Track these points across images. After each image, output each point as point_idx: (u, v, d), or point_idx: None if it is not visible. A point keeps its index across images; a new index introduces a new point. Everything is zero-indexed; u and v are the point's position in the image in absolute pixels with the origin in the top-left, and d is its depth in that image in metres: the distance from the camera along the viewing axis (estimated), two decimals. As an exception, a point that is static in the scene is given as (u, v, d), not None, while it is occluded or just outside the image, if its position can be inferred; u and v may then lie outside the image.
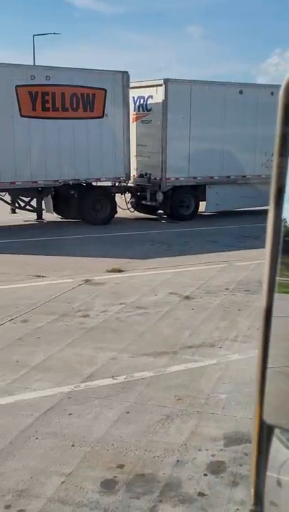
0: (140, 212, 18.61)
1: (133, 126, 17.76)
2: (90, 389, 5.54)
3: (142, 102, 17.97)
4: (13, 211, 17.72)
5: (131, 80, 16.94)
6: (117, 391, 5.49)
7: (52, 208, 16.95)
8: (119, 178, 17.14)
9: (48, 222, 17.14)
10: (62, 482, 4.02)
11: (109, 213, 17.24)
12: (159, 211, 18.53)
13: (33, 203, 16.84)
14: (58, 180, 16.10)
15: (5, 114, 15.01)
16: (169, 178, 17.55)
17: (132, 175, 17.65)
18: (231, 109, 17.98)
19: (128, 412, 5.06)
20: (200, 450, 4.44)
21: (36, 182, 15.81)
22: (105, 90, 16.44)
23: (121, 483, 4.01)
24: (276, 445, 1.08)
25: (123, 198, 18.12)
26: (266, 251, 1.05)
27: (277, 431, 1.08)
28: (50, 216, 17.23)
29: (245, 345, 6.72)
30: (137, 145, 17.96)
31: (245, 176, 18.74)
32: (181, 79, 17.69)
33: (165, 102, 17.09)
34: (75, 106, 16.06)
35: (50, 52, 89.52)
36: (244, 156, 18.51)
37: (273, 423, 1.07)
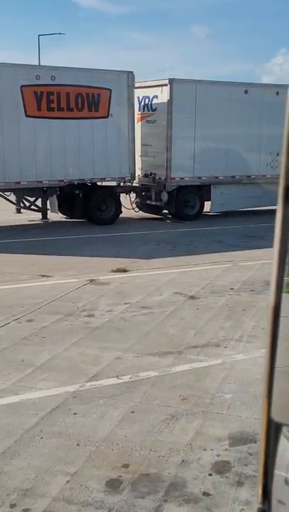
0: (145, 212, 18.60)
1: (138, 126, 17.76)
2: (95, 388, 5.55)
3: (146, 101, 17.97)
4: (18, 211, 17.76)
5: (136, 80, 16.94)
6: (122, 391, 5.49)
7: (57, 208, 16.97)
8: (124, 177, 17.14)
9: (53, 222, 17.16)
10: (68, 481, 4.02)
11: (114, 213, 17.25)
12: (164, 211, 18.52)
13: (38, 202, 16.86)
14: (63, 180, 16.11)
15: (10, 114, 15.03)
16: (174, 178, 17.54)
17: (136, 175, 17.64)
18: (236, 109, 17.96)
19: (133, 412, 5.06)
20: (205, 450, 4.44)
21: (41, 182, 15.82)
22: (110, 90, 16.44)
23: (126, 482, 4.02)
24: (284, 444, 1.08)
25: (128, 198, 18.12)
26: (274, 250, 1.05)
27: (285, 429, 1.08)
28: (55, 216, 17.25)
29: (250, 345, 6.72)
30: (142, 145, 17.96)
31: (250, 176, 18.71)
32: (186, 79, 17.68)
33: (170, 102, 17.08)
34: (80, 106, 16.07)
35: (55, 52, 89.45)
36: (249, 156, 18.49)
37: (281, 421, 1.07)
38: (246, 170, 18.58)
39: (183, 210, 18.16)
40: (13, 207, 17.40)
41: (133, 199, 18.36)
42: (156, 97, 17.63)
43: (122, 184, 17.38)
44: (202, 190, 18.29)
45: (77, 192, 16.80)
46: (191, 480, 4.04)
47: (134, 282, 9.84)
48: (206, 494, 3.89)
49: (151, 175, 17.89)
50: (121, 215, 17.46)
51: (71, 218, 17.48)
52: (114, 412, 5.06)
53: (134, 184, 17.80)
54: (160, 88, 17.42)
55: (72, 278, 10.10)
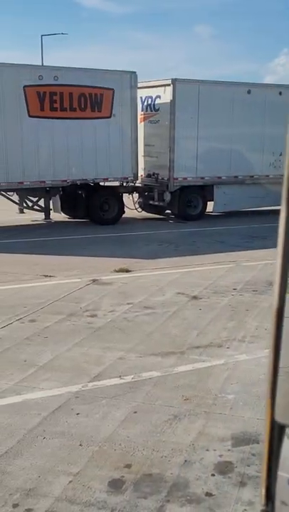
0: (148, 212, 18.61)
1: (141, 126, 17.76)
2: (98, 388, 5.55)
3: (149, 101, 17.97)
4: (21, 211, 17.76)
5: (139, 80, 16.94)
6: (124, 391, 5.49)
7: (60, 208, 16.99)
8: (127, 178, 17.14)
9: (56, 222, 17.17)
10: (70, 481, 4.02)
11: (116, 213, 17.25)
12: (167, 211, 18.53)
13: (41, 202, 16.87)
14: (65, 180, 16.13)
15: (13, 115, 15.04)
16: (177, 178, 17.54)
17: (139, 175, 17.65)
18: (239, 109, 17.95)
19: (135, 412, 5.06)
20: (207, 450, 4.43)
21: (44, 182, 15.84)
22: (113, 90, 16.45)
23: (128, 482, 4.02)
24: (288, 445, 1.08)
25: (131, 198, 18.13)
26: (278, 250, 1.05)
27: (288, 430, 1.08)
28: (57, 216, 17.27)
29: (252, 346, 6.71)
30: (145, 145, 17.96)
31: (253, 176, 18.71)
32: (189, 79, 17.68)
33: (173, 102, 17.08)
34: (82, 106, 16.08)
35: (58, 52, 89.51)
36: (252, 156, 18.48)
37: (285, 422, 1.07)
38: (249, 170, 18.58)
39: (186, 211, 18.16)
40: (16, 207, 17.41)
41: (136, 199, 18.36)
42: (159, 97, 17.64)
43: (124, 184, 17.39)
44: (205, 191, 18.29)
45: (80, 192, 16.82)
46: (194, 480, 4.04)
47: (136, 282, 9.84)
48: (208, 494, 3.88)
49: (154, 175, 17.89)
50: (124, 215, 17.47)
51: (74, 218, 17.49)
52: (117, 412, 5.06)
53: (136, 184, 17.80)
54: (163, 88, 17.42)
55: (75, 278, 10.10)
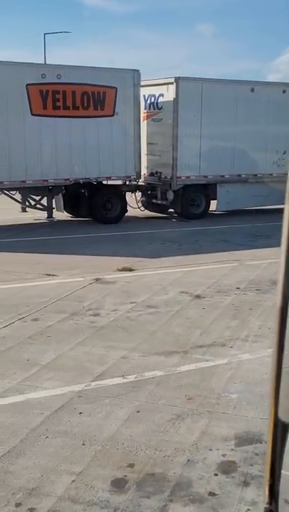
0: (151, 210, 18.59)
1: (144, 124, 17.75)
2: (101, 388, 5.54)
3: (152, 100, 17.95)
4: (24, 210, 17.76)
5: (142, 78, 16.92)
6: (127, 390, 5.48)
7: (62, 207, 16.98)
8: (130, 176, 17.13)
9: (59, 220, 17.17)
10: (73, 481, 4.02)
11: (119, 212, 17.24)
12: (170, 210, 18.50)
13: (44, 201, 16.87)
14: (68, 179, 16.12)
15: (16, 113, 15.03)
16: (180, 177, 17.51)
17: (142, 173, 17.63)
18: (242, 107, 17.92)
19: (138, 411, 5.05)
20: (211, 450, 4.42)
21: (47, 181, 15.84)
22: (116, 89, 16.43)
23: (131, 482, 4.01)
24: None
25: (133, 197, 18.11)
26: (282, 249, 1.03)
27: None
28: (60, 215, 17.26)
29: (256, 345, 6.69)
30: (148, 143, 17.94)
31: (256, 175, 18.67)
32: (192, 77, 17.65)
33: (176, 100, 17.05)
34: (85, 104, 16.06)
35: (61, 50, 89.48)
36: (255, 155, 18.44)
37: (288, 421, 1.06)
38: (253, 168, 18.54)
39: (189, 209, 18.13)
40: (19, 206, 17.41)
41: (139, 198, 18.35)
42: (162, 95, 17.61)
43: (127, 183, 17.37)
44: (208, 189, 18.26)
45: (82, 191, 16.81)
46: (197, 480, 4.03)
47: (139, 281, 9.83)
48: (211, 494, 3.87)
49: (157, 173, 17.87)
50: (126, 214, 17.45)
51: (77, 217, 17.49)
52: (120, 411, 5.05)
53: (139, 183, 17.78)
54: (166, 86, 17.39)
55: (78, 277, 10.09)
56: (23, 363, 6.15)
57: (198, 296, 8.80)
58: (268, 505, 1.09)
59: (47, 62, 27.12)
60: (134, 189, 17.81)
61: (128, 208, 17.56)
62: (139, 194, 18.31)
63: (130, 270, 10.60)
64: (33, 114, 15.28)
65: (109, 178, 16.95)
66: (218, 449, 4.43)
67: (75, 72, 16.01)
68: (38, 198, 16.84)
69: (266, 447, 1.12)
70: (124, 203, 17.43)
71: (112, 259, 11.72)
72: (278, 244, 1.19)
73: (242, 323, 7.53)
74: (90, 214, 17.09)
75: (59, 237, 14.49)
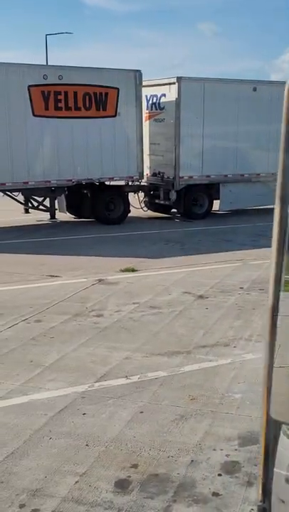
0: (153, 211, 18.59)
1: (146, 124, 17.73)
2: (104, 389, 5.54)
3: (154, 100, 17.94)
4: (27, 211, 17.78)
5: (144, 78, 16.92)
6: (130, 391, 5.48)
7: (65, 208, 16.99)
8: (133, 177, 17.12)
9: (61, 222, 17.17)
10: (76, 482, 4.02)
11: (122, 213, 17.23)
12: (173, 210, 18.49)
13: (46, 202, 16.87)
14: (71, 180, 16.12)
15: (18, 114, 15.04)
16: (183, 177, 17.51)
17: (145, 174, 17.62)
18: (245, 107, 17.90)
19: (142, 412, 5.05)
20: (214, 450, 4.42)
21: (49, 182, 15.84)
22: (118, 89, 16.43)
23: (135, 482, 4.01)
24: (284, 442, 1.07)
25: (136, 197, 18.11)
26: (272, 249, 1.04)
27: (285, 427, 1.07)
28: (63, 216, 17.27)
29: (259, 345, 6.67)
30: (150, 144, 17.94)
31: (259, 174, 18.64)
32: (194, 77, 17.65)
33: (178, 100, 17.04)
34: (87, 105, 16.07)
35: (63, 51, 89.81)
36: (258, 154, 18.41)
37: (280, 419, 1.06)
38: (255, 168, 18.51)
39: (191, 209, 18.12)
40: (22, 207, 17.42)
41: (141, 198, 18.34)
42: (164, 95, 17.60)
43: (130, 183, 17.36)
44: (211, 189, 18.24)
45: (85, 191, 16.81)
46: (201, 480, 4.02)
47: (142, 282, 9.83)
48: (215, 494, 3.87)
49: (159, 174, 17.87)
50: (129, 215, 17.44)
51: (79, 218, 17.49)
52: (123, 412, 5.05)
53: (142, 183, 17.78)
54: (168, 86, 17.39)
55: (81, 278, 10.09)
56: (27, 364, 6.16)
57: (201, 297, 8.79)
58: (261, 503, 1.09)
59: (49, 63, 27.13)
60: (136, 189, 17.81)
61: (131, 208, 17.55)
62: (141, 194, 18.30)
63: (133, 271, 10.60)
64: (35, 115, 15.28)
65: (112, 178, 16.94)
66: (221, 449, 4.42)
67: (76, 72, 16.02)
68: (40, 199, 16.83)
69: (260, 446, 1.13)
70: (127, 204, 17.42)
71: (115, 259, 11.72)
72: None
73: (245, 323, 7.52)
74: (93, 215, 17.09)
75: (62, 238, 14.49)
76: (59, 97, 15.56)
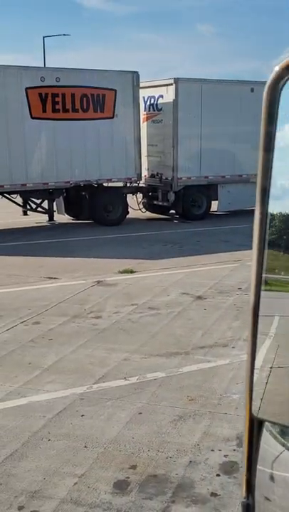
0: (152, 212, 18.59)
1: (144, 126, 17.75)
2: (103, 390, 5.55)
3: (152, 101, 17.95)
4: (25, 213, 17.77)
5: (142, 80, 16.93)
6: (129, 392, 5.49)
7: (64, 210, 16.99)
8: (131, 178, 17.12)
9: (60, 223, 17.18)
10: (75, 483, 4.02)
11: (120, 214, 17.23)
12: (171, 211, 18.49)
13: (45, 204, 16.87)
14: (69, 182, 16.12)
15: (15, 116, 15.05)
16: (181, 178, 17.51)
17: (143, 175, 17.62)
18: (242, 108, 17.89)
19: (140, 413, 5.06)
20: (213, 451, 4.43)
21: (47, 183, 15.84)
22: (115, 91, 16.44)
23: (134, 483, 4.01)
24: (267, 439, 1.09)
25: (134, 199, 18.12)
26: (253, 249, 1.05)
27: (268, 425, 1.09)
28: (61, 218, 17.28)
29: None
30: (148, 145, 17.95)
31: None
32: (191, 78, 17.65)
33: (176, 102, 17.05)
34: (85, 107, 16.08)
35: (60, 53, 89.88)
36: (256, 155, 18.31)
37: (262, 418, 1.08)
38: (253, 168, 18.46)
39: (190, 210, 18.12)
40: (20, 209, 17.42)
41: (140, 199, 18.35)
42: (161, 96, 17.61)
43: (128, 185, 17.37)
44: (209, 190, 18.24)
45: (83, 193, 16.81)
46: (199, 481, 4.03)
47: (141, 283, 9.84)
48: (213, 495, 3.88)
49: (157, 175, 17.88)
50: (128, 216, 17.45)
51: (78, 220, 17.50)
52: (122, 413, 5.06)
53: (140, 184, 17.78)
54: (165, 88, 17.40)
55: (80, 280, 10.10)
56: (25, 366, 6.17)
57: (199, 297, 8.80)
58: (245, 500, 1.11)
59: (47, 65, 27.17)
60: (135, 191, 17.81)
61: (129, 209, 17.56)
62: (140, 196, 18.30)
63: (132, 272, 10.61)
64: (32, 118, 15.29)
65: (110, 180, 16.95)
66: (220, 450, 4.43)
67: (74, 74, 16.02)
68: (38, 201, 16.84)
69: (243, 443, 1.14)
70: (126, 205, 17.42)
71: (113, 261, 11.73)
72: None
73: (244, 324, 7.52)
74: (91, 216, 17.09)
75: (60, 240, 14.49)
76: (56, 99, 15.57)
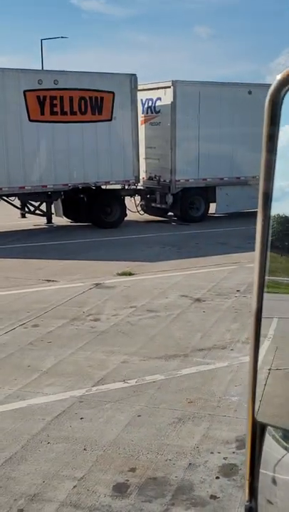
0: (150, 214, 18.60)
1: (142, 128, 17.76)
2: (102, 393, 5.55)
3: (150, 104, 17.98)
4: (23, 216, 17.76)
5: (140, 82, 16.97)
6: (128, 394, 5.49)
7: (62, 212, 16.99)
8: (129, 180, 17.13)
9: (58, 226, 17.18)
10: (75, 486, 4.02)
11: (119, 216, 17.24)
12: (169, 213, 18.51)
13: (43, 207, 16.88)
14: (67, 184, 16.12)
15: (14, 119, 15.06)
16: (179, 180, 17.53)
17: (141, 177, 17.64)
18: (240, 110, 17.92)
19: (140, 416, 5.06)
20: (212, 453, 4.43)
21: (46, 186, 15.85)
22: (113, 93, 16.46)
23: (133, 486, 4.01)
24: (269, 443, 1.09)
25: (133, 201, 18.13)
26: (256, 253, 1.06)
27: (270, 428, 1.09)
28: (60, 220, 17.28)
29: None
30: (146, 147, 17.96)
31: (255, 177, 18.65)
32: (189, 80, 17.69)
33: (174, 104, 17.08)
34: (83, 109, 16.09)
35: (59, 55, 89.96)
36: (254, 157, 18.42)
37: (265, 422, 1.08)
38: (251, 170, 18.53)
39: (188, 212, 18.14)
40: (18, 212, 17.42)
41: (138, 202, 18.36)
42: (159, 99, 17.64)
43: (126, 187, 17.38)
44: (207, 192, 18.27)
45: (81, 196, 16.81)
46: (199, 483, 4.03)
47: (139, 285, 9.84)
48: (213, 497, 3.88)
49: (155, 177, 17.89)
50: (126, 218, 17.46)
51: (76, 222, 17.50)
52: (121, 416, 5.06)
53: (138, 187, 17.79)
54: (163, 90, 17.43)
55: (78, 282, 10.10)
56: (24, 368, 6.16)
57: (198, 300, 8.81)
58: (248, 503, 1.11)
59: (45, 68, 27.18)
60: (133, 193, 17.82)
61: (127, 212, 17.56)
62: (138, 198, 18.31)
63: (130, 274, 10.61)
64: (30, 120, 15.30)
65: (108, 182, 16.95)
66: (219, 452, 4.43)
67: (72, 77, 16.04)
68: (37, 203, 16.84)
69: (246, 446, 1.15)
70: (124, 208, 17.43)
71: (111, 263, 11.73)
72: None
73: (242, 326, 7.53)
74: (90, 219, 17.10)
75: (59, 243, 14.49)
76: (55, 101, 15.58)
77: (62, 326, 7.59)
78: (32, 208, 16.94)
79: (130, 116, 16.79)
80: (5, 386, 5.71)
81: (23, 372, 6.04)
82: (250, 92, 18.26)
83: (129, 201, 17.86)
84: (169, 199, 17.62)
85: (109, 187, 17.24)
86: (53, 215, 17.09)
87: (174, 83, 17.06)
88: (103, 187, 17.11)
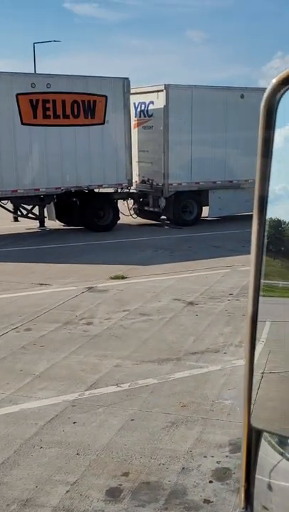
0: (143, 218, 18.59)
1: (134, 132, 17.76)
2: (95, 397, 5.53)
3: (143, 107, 17.98)
4: (16, 219, 17.72)
5: (133, 86, 16.98)
6: (121, 398, 5.47)
7: (54, 216, 16.95)
8: (122, 184, 17.12)
9: (51, 230, 17.14)
10: (67, 491, 4.00)
11: (111, 220, 17.23)
12: (162, 217, 18.51)
13: (36, 210, 16.84)
14: (60, 188, 16.10)
15: (6, 123, 15.03)
16: (172, 184, 17.54)
17: (134, 181, 17.64)
18: (233, 114, 17.96)
19: (133, 420, 5.04)
20: (205, 457, 4.42)
21: (38, 190, 15.81)
22: (106, 97, 16.45)
23: (126, 491, 4.00)
24: (265, 448, 1.09)
25: (125, 205, 18.12)
26: (251, 257, 1.05)
27: (266, 434, 1.09)
28: (52, 224, 17.24)
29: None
30: (139, 151, 17.96)
31: (247, 180, 18.69)
32: (181, 84, 17.70)
33: (166, 108, 17.09)
34: (76, 113, 16.08)
35: (52, 59, 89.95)
36: (247, 160, 18.46)
37: (260, 428, 1.08)
38: (244, 174, 18.56)
39: (181, 216, 18.14)
40: (11, 215, 17.37)
41: (131, 205, 18.35)
42: (152, 102, 17.65)
43: (119, 191, 17.37)
44: (200, 196, 18.28)
45: (74, 199, 16.79)
46: (192, 487, 4.02)
47: (132, 289, 9.83)
48: (206, 501, 3.87)
49: (148, 181, 17.89)
50: (119, 222, 17.45)
51: (69, 226, 17.47)
52: (114, 420, 5.04)
53: (131, 190, 17.79)
54: (156, 94, 17.44)
55: (71, 286, 10.08)
56: (17, 373, 6.14)
57: (191, 303, 8.80)
58: (243, 510, 1.10)
59: (37, 72, 27.15)
60: (126, 197, 17.81)
61: (120, 215, 17.54)
62: (131, 202, 18.31)
63: (123, 278, 10.60)
64: (23, 124, 15.27)
65: (101, 186, 16.94)
66: (212, 456, 4.42)
67: (64, 81, 16.02)
68: (29, 207, 16.80)
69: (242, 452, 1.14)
70: (116, 211, 17.41)
71: (104, 267, 11.71)
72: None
73: (235, 330, 7.53)
74: (82, 222, 17.07)
75: (51, 246, 14.46)
76: (47, 105, 15.56)
77: (54, 330, 7.57)
78: (25, 212, 16.90)
79: (123, 120, 16.80)
80: (-3, 390, 5.69)
81: (16, 377, 6.02)
82: (242, 96, 18.31)
83: (122, 205, 17.85)
84: (162, 203, 17.63)
85: (102, 190, 17.23)
86: (45, 219, 17.05)
87: (167, 87, 17.07)
88: (96, 190, 17.10)
